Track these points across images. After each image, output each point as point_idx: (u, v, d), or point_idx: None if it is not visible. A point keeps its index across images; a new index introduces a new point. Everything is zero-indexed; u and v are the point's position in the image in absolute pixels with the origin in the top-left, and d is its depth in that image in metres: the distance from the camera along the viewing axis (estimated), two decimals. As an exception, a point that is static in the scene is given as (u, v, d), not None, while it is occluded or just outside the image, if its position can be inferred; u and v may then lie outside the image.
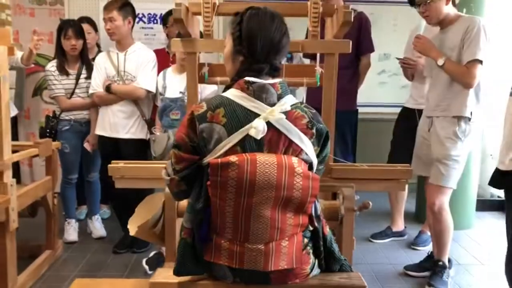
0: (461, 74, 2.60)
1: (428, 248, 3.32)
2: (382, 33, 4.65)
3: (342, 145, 3.48)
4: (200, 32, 2.19)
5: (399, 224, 3.53)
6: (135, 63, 3.10)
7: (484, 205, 4.18)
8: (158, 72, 3.16)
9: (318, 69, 2.07)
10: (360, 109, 3.76)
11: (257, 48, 1.40)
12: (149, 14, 3.88)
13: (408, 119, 3.31)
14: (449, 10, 2.67)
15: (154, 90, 3.13)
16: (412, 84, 3.40)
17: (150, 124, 3.18)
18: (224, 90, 1.45)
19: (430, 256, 2.95)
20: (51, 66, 3.25)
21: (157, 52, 3.52)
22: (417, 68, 3.16)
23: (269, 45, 1.40)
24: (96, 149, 3.32)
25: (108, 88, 3.07)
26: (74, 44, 3.15)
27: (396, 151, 3.40)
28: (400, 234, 3.53)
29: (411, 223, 3.78)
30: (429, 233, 3.39)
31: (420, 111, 3.22)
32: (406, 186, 3.40)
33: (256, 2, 1.74)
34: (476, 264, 3.15)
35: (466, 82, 2.60)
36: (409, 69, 3.25)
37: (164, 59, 3.41)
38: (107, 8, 3.04)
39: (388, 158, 3.46)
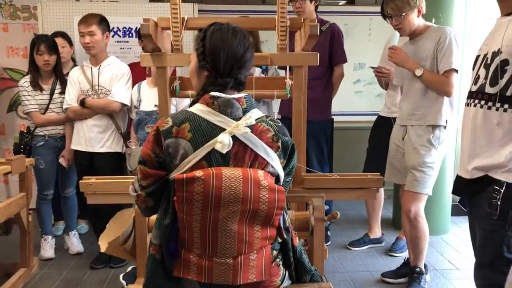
0: (440, 84, 2.65)
1: (405, 254, 3.36)
2: (356, 42, 4.75)
3: (319, 155, 3.51)
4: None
5: (376, 231, 3.57)
6: (109, 76, 3.10)
7: (460, 210, 4.23)
8: (134, 85, 3.16)
9: (288, 81, 2.10)
10: (336, 118, 3.81)
11: (221, 63, 1.41)
12: (124, 28, 3.88)
13: (383, 127, 3.36)
14: (419, 21, 2.75)
15: (129, 103, 3.13)
16: (386, 92, 3.46)
17: (126, 137, 3.17)
18: (190, 105, 1.46)
19: (406, 263, 2.99)
20: (24, 81, 3.23)
21: (133, 65, 3.52)
22: (391, 77, 3.22)
23: (233, 60, 1.42)
24: (71, 164, 3.29)
25: (82, 103, 3.06)
26: (47, 60, 3.14)
27: (372, 159, 3.45)
28: (377, 241, 3.56)
29: (388, 229, 3.83)
30: (405, 239, 3.44)
31: (394, 119, 3.27)
32: (382, 193, 3.51)
33: (224, 17, 1.76)
34: (452, 269, 3.20)
35: (446, 90, 2.66)
36: (383, 78, 3.31)
37: (140, 73, 3.41)
38: (86, 22, 3.03)
39: (364, 165, 3.51)
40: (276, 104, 3.89)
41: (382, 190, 3.33)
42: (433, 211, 3.72)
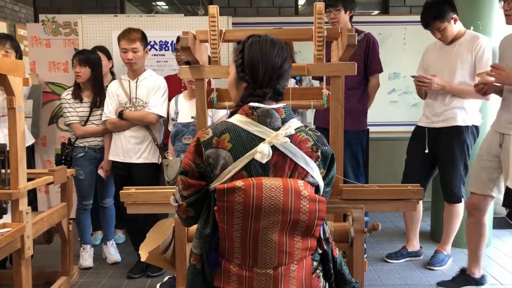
0: None
1: (445, 267, 3.28)
2: (391, 52, 4.70)
3: (354, 165, 3.47)
4: (209, 57, 2.24)
5: (414, 244, 3.49)
6: (146, 89, 3.17)
7: (501, 222, 4.11)
8: (171, 97, 3.22)
9: (325, 91, 2.10)
10: (372, 128, 3.77)
11: (259, 74, 1.42)
12: (161, 41, 3.97)
13: (421, 137, 3.31)
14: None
15: (165, 115, 3.19)
16: (425, 102, 3.38)
17: (162, 148, 3.22)
18: (229, 116, 1.47)
19: (463, 271, 2.96)
20: (66, 94, 3.34)
21: (170, 78, 3.60)
22: (432, 86, 3.15)
23: (271, 71, 1.43)
24: (109, 175, 3.37)
25: (120, 115, 3.14)
26: (78, 72, 3.25)
27: (412, 169, 3.38)
28: (415, 254, 3.47)
29: (426, 242, 3.73)
30: (445, 253, 3.35)
31: (434, 129, 3.22)
32: (421, 205, 3.42)
33: (259, 29, 1.78)
34: (496, 284, 3.08)
35: None
36: (424, 87, 3.23)
37: (176, 85, 3.48)
38: (129, 38, 3.09)
39: (402, 177, 3.44)
40: (309, 115, 3.89)
41: (421, 202, 3.26)
42: (474, 223, 3.61)
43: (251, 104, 1.41)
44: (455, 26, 3.12)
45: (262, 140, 1.37)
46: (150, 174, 3.21)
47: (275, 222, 1.32)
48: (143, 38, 3.15)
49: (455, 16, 3.10)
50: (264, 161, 1.35)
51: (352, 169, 3.43)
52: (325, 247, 1.47)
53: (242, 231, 1.33)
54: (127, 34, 3.11)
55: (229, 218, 1.32)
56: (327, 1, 3.31)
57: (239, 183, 1.31)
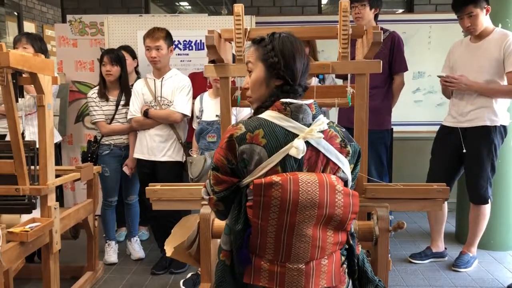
0: None
1: (470, 269, 3.22)
2: (415, 51, 4.64)
3: (378, 165, 3.44)
4: (233, 55, 2.26)
5: (439, 245, 3.43)
6: (171, 88, 3.21)
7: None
8: (196, 96, 3.25)
9: (349, 89, 2.09)
10: (396, 128, 3.73)
11: (297, 71, 1.44)
12: (185, 41, 4.01)
13: (447, 137, 3.26)
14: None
15: (189, 114, 3.22)
16: (451, 101, 3.32)
17: (186, 147, 3.26)
18: (257, 112, 1.47)
19: None
20: (93, 93, 3.41)
21: (195, 76, 3.63)
22: (459, 86, 3.11)
23: (303, 68, 1.46)
24: (134, 172, 3.42)
25: (146, 113, 3.18)
26: (108, 70, 3.30)
27: (437, 170, 3.34)
28: (440, 255, 3.42)
29: (451, 243, 3.67)
30: (470, 254, 3.29)
31: (460, 129, 3.17)
32: (446, 206, 3.37)
33: (283, 27, 1.79)
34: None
35: None
36: (451, 87, 3.18)
37: (201, 83, 3.50)
38: (153, 36, 3.13)
39: (427, 177, 3.40)
40: (332, 113, 3.87)
41: (446, 202, 3.21)
42: (500, 225, 3.55)
43: (284, 100, 1.42)
44: (485, 18, 3.07)
45: (295, 135, 1.38)
46: (174, 172, 3.24)
47: (311, 216, 1.33)
48: (167, 36, 3.18)
49: (487, 6, 3.05)
50: (299, 157, 1.36)
51: (375, 169, 3.41)
52: (351, 242, 1.48)
53: (277, 226, 1.33)
54: (152, 33, 3.15)
55: (264, 213, 1.33)
56: None
57: (276, 178, 1.32)
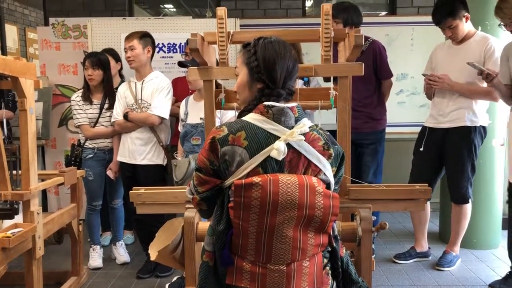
0: None
1: (453, 268, 3.27)
2: (398, 53, 4.70)
3: (375, 165, 3.46)
4: (216, 59, 2.26)
5: (423, 245, 3.48)
6: (150, 91, 3.19)
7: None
8: (181, 99, 3.24)
9: (332, 92, 2.11)
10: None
11: (277, 75, 1.45)
12: (169, 43, 4.00)
13: (428, 138, 3.31)
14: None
15: (167, 117, 3.20)
16: (432, 102, 3.37)
17: (169, 150, 3.24)
18: (241, 115, 1.49)
19: None
20: (76, 96, 3.38)
21: (179, 80, 3.62)
22: (442, 86, 3.16)
23: (286, 71, 1.47)
24: (118, 176, 3.40)
25: (125, 116, 3.17)
26: (90, 74, 3.29)
27: (418, 170, 3.38)
28: (424, 254, 3.47)
29: (434, 243, 3.72)
30: (453, 253, 3.34)
31: (442, 130, 3.22)
32: (428, 206, 3.42)
33: (267, 30, 1.80)
34: (504, 284, 3.06)
35: None
36: (435, 86, 3.21)
37: (186, 87, 3.49)
38: (128, 38, 3.17)
39: (409, 177, 3.44)
40: (317, 116, 3.89)
41: (428, 202, 3.26)
42: (483, 224, 3.61)
43: (266, 103, 1.44)
44: (466, 25, 3.14)
45: (277, 138, 1.40)
46: (154, 175, 3.22)
47: (291, 217, 1.34)
48: (143, 37, 3.16)
49: (467, 14, 3.12)
50: (280, 158, 1.38)
51: (373, 169, 3.44)
52: (334, 244, 1.49)
53: (257, 227, 1.35)
54: (128, 35, 3.18)
55: (245, 214, 1.34)
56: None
57: (256, 178, 1.34)
